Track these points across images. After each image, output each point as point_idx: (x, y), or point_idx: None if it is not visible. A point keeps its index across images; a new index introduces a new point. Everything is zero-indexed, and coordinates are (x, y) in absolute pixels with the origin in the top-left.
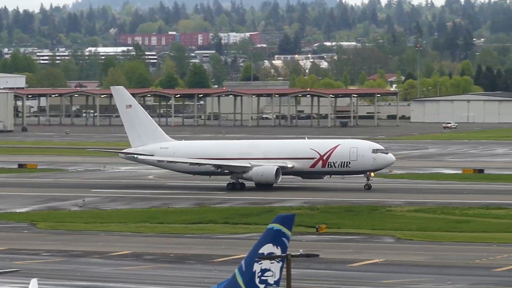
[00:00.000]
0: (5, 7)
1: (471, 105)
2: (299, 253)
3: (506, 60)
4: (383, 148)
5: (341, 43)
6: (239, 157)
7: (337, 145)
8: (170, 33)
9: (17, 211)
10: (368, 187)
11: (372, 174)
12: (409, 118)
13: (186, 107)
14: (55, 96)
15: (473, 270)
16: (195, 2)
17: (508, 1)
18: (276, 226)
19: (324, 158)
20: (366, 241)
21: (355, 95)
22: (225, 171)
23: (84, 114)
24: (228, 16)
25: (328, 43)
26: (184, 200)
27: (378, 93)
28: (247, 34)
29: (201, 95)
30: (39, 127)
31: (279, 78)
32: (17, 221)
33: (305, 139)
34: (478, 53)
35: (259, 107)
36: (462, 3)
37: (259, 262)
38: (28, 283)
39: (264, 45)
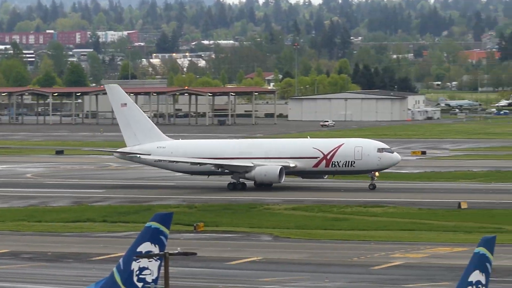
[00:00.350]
0: None
1: (349, 104)
2: (177, 251)
3: (383, 58)
4: (389, 147)
5: (219, 41)
6: (239, 156)
7: (341, 144)
8: (48, 31)
9: None
10: (373, 187)
11: (377, 173)
12: (286, 116)
13: (64, 105)
14: None
15: (350, 268)
16: (72, 0)
17: (385, 0)
18: (154, 224)
19: (328, 157)
20: (244, 239)
21: (233, 94)
22: (226, 170)
23: None
24: (106, 15)
25: (206, 42)
26: (62, 198)
27: (255, 92)
28: (125, 33)
29: (79, 94)
30: None
31: (157, 76)
32: None
33: (307, 138)
34: (355, 52)
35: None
36: (340, 1)
37: (137, 261)
38: None
39: (142, 44)
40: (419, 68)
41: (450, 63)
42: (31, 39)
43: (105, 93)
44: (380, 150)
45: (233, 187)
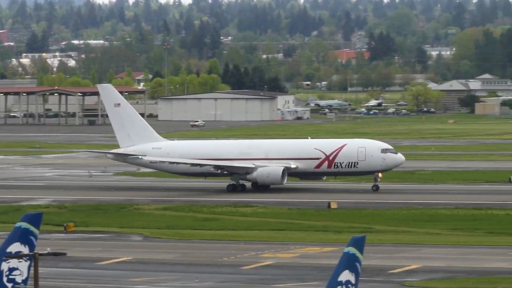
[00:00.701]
0: None
1: (219, 103)
2: (46, 252)
3: (253, 58)
4: (392, 148)
5: (88, 41)
6: (238, 157)
7: (344, 145)
8: None
9: None
10: (376, 188)
11: (380, 174)
12: (157, 116)
13: None
14: None
15: (220, 268)
16: None
17: (255, 0)
18: (24, 224)
19: (330, 158)
20: (114, 239)
21: None
22: (225, 172)
23: None
24: None
25: (76, 42)
26: None
27: (125, 91)
28: None
29: None
30: None
31: (26, 76)
32: None
33: (308, 138)
34: (225, 52)
35: (7, 106)
36: (210, 1)
37: (7, 261)
38: None
39: (11, 44)
40: (289, 68)
41: (319, 63)
42: None
43: None
44: (384, 150)
45: (233, 189)
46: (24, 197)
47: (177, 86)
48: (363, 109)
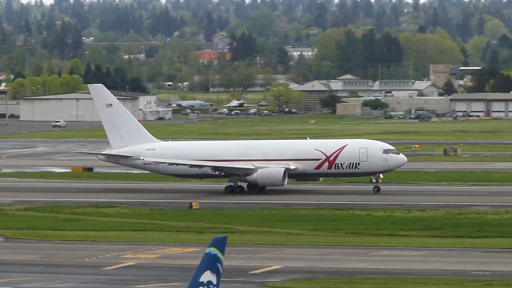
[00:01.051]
0: None
1: (80, 104)
2: None
3: (115, 58)
4: (394, 149)
5: None
6: (236, 158)
7: (345, 145)
8: None
9: None
10: (377, 189)
11: (381, 176)
12: (18, 116)
13: None
14: None
15: (82, 268)
16: None
17: (117, 0)
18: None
19: (331, 159)
20: None
21: None
22: (222, 173)
23: None
24: None
25: None
26: None
27: None
28: None
29: None
30: None
31: None
32: None
33: (307, 139)
34: (87, 52)
35: None
36: (71, 1)
37: None
38: None
39: None
40: (151, 68)
41: (181, 63)
42: None
43: None
44: (386, 151)
45: (231, 190)
46: None
47: (39, 86)
48: (225, 110)
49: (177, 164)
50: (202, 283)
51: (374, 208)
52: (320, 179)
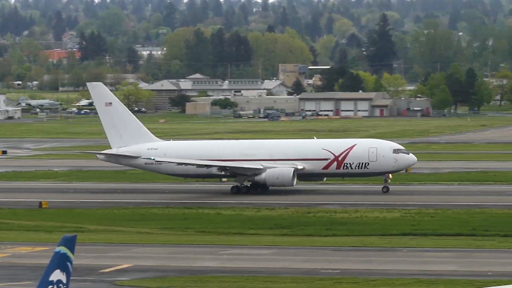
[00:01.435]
0: None
1: None
2: None
3: None
4: (404, 148)
5: None
6: (241, 158)
7: (354, 145)
8: None
9: None
10: (386, 190)
11: (391, 176)
12: None
13: None
14: None
15: None
16: None
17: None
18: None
19: (340, 159)
20: None
21: None
22: (228, 173)
23: None
24: None
25: None
26: None
27: None
28: None
29: None
30: None
31: None
32: None
33: (314, 138)
34: None
35: None
36: None
37: None
38: None
39: None
40: (0, 67)
41: (31, 62)
42: None
43: None
44: (396, 151)
45: (237, 191)
46: None
47: None
48: (74, 109)
49: (186, 164)
50: (52, 282)
51: (224, 207)
52: (324, 179)
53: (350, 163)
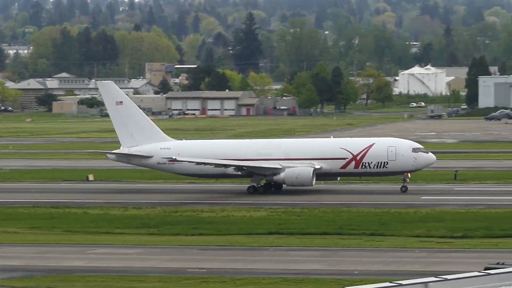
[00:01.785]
0: None
1: None
2: None
3: None
4: (423, 147)
5: None
6: (257, 157)
7: (372, 144)
8: None
9: None
10: (405, 189)
11: (409, 175)
12: None
13: None
14: None
15: None
16: None
17: None
18: None
19: (358, 158)
20: None
21: None
22: (245, 173)
23: None
24: None
25: None
26: None
27: None
28: None
29: None
30: None
31: None
32: None
33: (331, 137)
34: None
35: None
36: None
37: None
38: None
39: None
40: None
41: None
42: None
43: None
44: (415, 150)
45: (254, 191)
46: None
47: None
48: None
49: (205, 164)
50: None
51: (91, 206)
52: (338, 179)
53: (368, 163)
